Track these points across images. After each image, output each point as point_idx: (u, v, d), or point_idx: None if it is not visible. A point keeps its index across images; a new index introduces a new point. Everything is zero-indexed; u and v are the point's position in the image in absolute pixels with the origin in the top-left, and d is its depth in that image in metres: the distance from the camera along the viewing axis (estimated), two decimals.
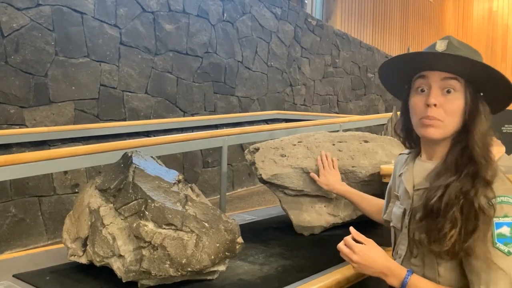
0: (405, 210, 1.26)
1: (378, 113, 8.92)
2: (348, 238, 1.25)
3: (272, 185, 1.89)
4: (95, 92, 4.44)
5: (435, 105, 1.15)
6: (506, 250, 1.07)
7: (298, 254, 1.61)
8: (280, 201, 1.92)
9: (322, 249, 1.70)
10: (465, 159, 1.15)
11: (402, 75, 1.25)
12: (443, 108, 1.16)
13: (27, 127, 3.91)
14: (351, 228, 1.28)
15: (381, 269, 1.20)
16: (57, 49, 4.12)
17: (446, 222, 1.11)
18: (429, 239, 1.14)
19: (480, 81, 1.16)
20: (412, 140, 1.31)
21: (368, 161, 1.93)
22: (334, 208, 1.93)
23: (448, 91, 1.16)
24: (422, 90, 1.19)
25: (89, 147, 3.13)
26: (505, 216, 1.08)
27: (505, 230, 1.08)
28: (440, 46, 1.16)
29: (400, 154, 1.45)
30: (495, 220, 1.08)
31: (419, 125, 1.21)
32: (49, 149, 3.93)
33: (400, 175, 1.35)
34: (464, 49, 1.16)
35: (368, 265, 1.21)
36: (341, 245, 1.25)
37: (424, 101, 1.17)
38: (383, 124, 3.29)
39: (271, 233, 1.88)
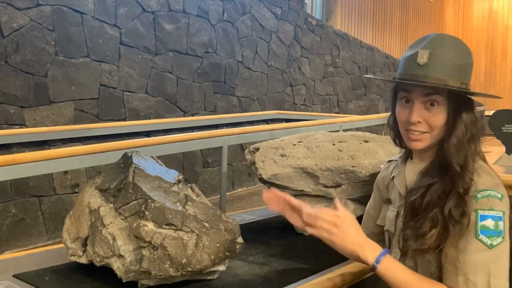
0: (398, 212, 1.27)
1: (378, 113, 8.92)
2: (327, 210, 1.20)
3: (272, 185, 1.89)
4: (95, 92, 4.44)
5: (418, 121, 1.16)
6: (488, 243, 1.07)
7: (298, 254, 1.61)
8: None
9: (322, 249, 1.69)
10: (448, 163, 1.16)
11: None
12: (427, 122, 1.17)
13: (27, 127, 3.91)
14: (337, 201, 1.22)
15: (359, 241, 1.14)
16: (57, 49, 4.12)
17: (427, 222, 1.12)
18: (410, 236, 1.15)
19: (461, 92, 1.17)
20: (401, 139, 1.30)
21: (368, 161, 1.92)
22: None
23: (432, 104, 1.16)
24: (407, 101, 1.20)
25: (89, 147, 3.12)
26: (491, 209, 1.08)
27: (489, 223, 1.08)
28: (422, 58, 1.15)
29: (389, 161, 1.45)
30: (480, 212, 1.09)
31: (405, 136, 1.23)
32: (49, 149, 3.93)
33: (392, 178, 1.35)
34: (448, 56, 1.15)
35: (346, 234, 1.15)
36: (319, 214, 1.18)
37: (407, 114, 1.18)
38: (383, 124, 3.28)
39: (271, 233, 1.88)
